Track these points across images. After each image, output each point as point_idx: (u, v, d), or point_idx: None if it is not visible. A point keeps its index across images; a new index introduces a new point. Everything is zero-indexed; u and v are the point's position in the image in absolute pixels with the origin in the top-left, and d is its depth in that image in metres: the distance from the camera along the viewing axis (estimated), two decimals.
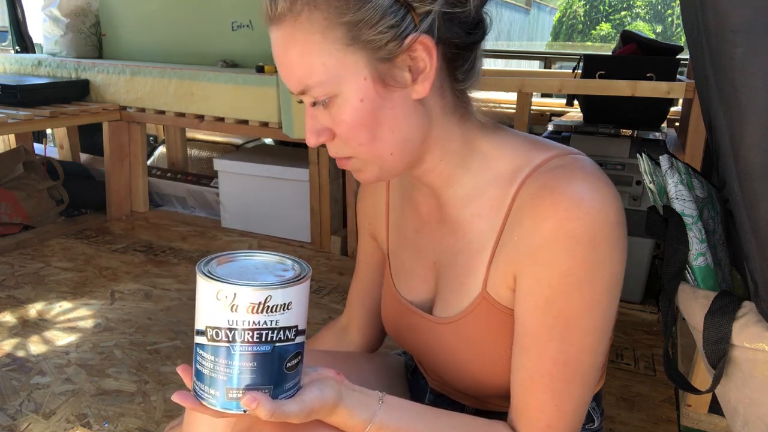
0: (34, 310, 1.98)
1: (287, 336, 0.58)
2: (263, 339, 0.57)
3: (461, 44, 0.65)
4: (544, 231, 0.64)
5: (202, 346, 0.58)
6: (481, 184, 0.72)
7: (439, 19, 0.62)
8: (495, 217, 0.71)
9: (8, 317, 1.92)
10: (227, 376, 0.57)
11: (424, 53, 0.62)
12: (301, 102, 0.68)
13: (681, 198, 0.87)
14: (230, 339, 0.56)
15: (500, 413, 0.83)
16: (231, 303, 0.55)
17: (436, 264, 0.79)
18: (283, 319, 0.57)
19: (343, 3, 0.59)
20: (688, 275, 0.88)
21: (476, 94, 0.73)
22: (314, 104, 0.65)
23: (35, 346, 1.75)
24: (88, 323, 1.90)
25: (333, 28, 0.60)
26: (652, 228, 0.91)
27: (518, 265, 0.67)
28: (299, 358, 0.60)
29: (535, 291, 0.66)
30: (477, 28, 0.66)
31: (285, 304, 0.56)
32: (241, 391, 0.57)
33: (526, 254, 0.66)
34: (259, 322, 0.56)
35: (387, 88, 0.63)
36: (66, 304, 2.02)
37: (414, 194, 0.81)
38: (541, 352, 0.66)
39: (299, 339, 0.59)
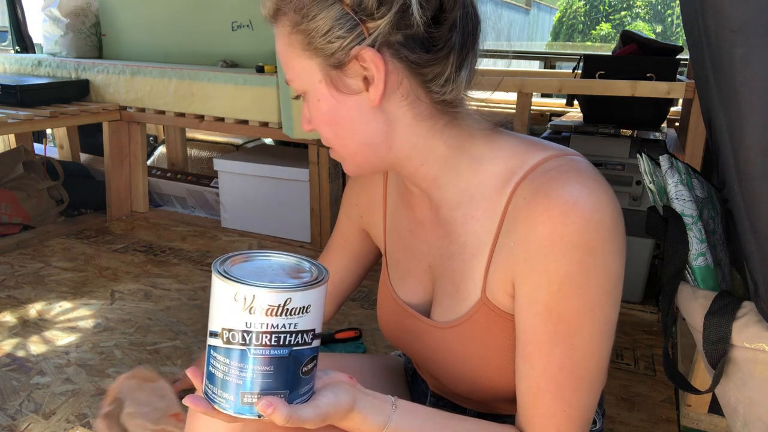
0: (34, 310, 1.98)
1: (305, 340, 0.56)
2: (280, 342, 0.55)
3: (417, 61, 0.65)
4: (539, 236, 0.63)
5: (215, 348, 0.56)
6: (472, 186, 0.72)
7: (386, 35, 0.63)
8: (490, 219, 0.70)
9: (8, 317, 1.92)
10: (242, 379, 0.56)
11: (372, 65, 0.64)
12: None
13: (681, 198, 0.87)
14: (246, 342, 0.55)
15: (503, 416, 0.83)
16: (249, 305, 0.54)
17: (431, 267, 0.79)
18: (302, 323, 0.55)
19: (302, 13, 0.65)
20: (688, 275, 0.88)
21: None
22: (298, 97, 0.72)
23: (35, 346, 1.75)
24: (88, 323, 1.90)
25: (295, 34, 0.66)
26: (652, 228, 0.91)
27: (516, 272, 0.67)
28: (315, 362, 0.59)
29: (535, 298, 0.65)
30: (438, 48, 0.65)
31: (304, 307, 0.55)
32: (255, 396, 0.56)
33: (523, 261, 0.65)
34: (277, 325, 0.54)
35: (340, 92, 0.67)
36: (66, 304, 2.02)
37: (408, 195, 0.81)
38: (546, 360, 0.65)
39: (315, 343, 0.58)
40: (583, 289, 0.63)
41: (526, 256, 0.65)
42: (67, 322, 1.90)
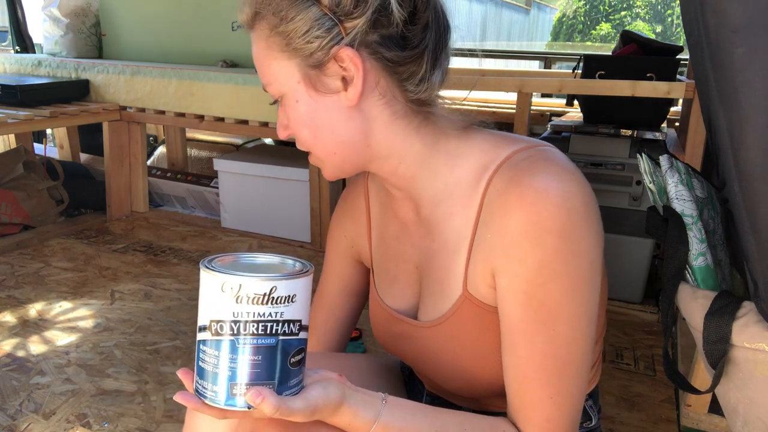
0: (34, 310, 1.98)
1: (291, 330, 0.58)
2: (268, 331, 0.56)
3: (394, 59, 0.67)
4: (513, 226, 0.65)
5: (204, 341, 0.58)
6: (450, 183, 0.73)
7: (363, 34, 0.65)
8: (467, 215, 0.72)
9: (8, 317, 1.92)
10: (231, 371, 0.57)
11: (351, 64, 0.66)
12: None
13: (681, 198, 0.87)
14: (234, 332, 0.56)
15: (497, 413, 0.83)
16: (236, 294, 0.55)
17: (418, 268, 0.80)
18: (288, 312, 0.57)
19: (280, 15, 0.66)
20: (688, 275, 0.88)
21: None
22: (275, 102, 0.73)
23: (35, 346, 1.75)
24: (88, 323, 1.90)
25: (273, 36, 0.67)
26: (652, 228, 0.91)
27: (494, 263, 0.68)
28: (303, 354, 0.60)
29: (514, 287, 0.66)
30: (414, 46, 0.67)
31: (290, 296, 0.57)
32: (244, 387, 0.57)
33: (500, 251, 0.67)
34: (263, 314, 0.56)
35: (319, 92, 0.68)
36: (66, 304, 2.02)
37: (391, 201, 0.82)
38: (530, 348, 0.66)
39: (303, 335, 0.59)
40: (561, 274, 0.64)
41: (503, 247, 0.66)
42: (67, 322, 1.90)
